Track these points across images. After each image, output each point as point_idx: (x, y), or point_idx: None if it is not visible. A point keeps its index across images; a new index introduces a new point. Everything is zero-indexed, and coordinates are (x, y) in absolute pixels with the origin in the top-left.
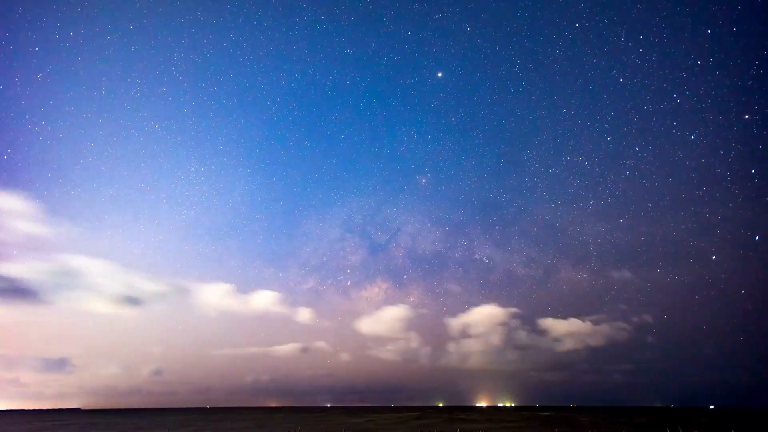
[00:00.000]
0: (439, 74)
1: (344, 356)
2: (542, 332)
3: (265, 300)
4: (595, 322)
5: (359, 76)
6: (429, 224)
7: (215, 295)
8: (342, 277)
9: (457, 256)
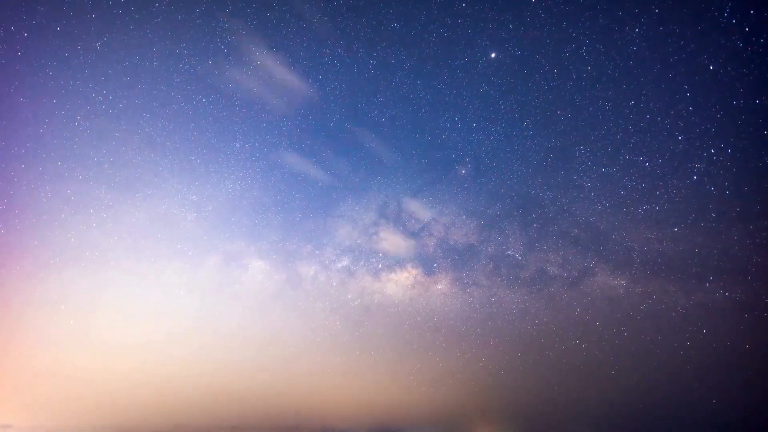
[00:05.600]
0: (492, 55)
1: None
2: None
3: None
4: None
5: (405, 54)
6: (464, 216)
7: (260, 266)
8: (374, 260)
9: (489, 250)
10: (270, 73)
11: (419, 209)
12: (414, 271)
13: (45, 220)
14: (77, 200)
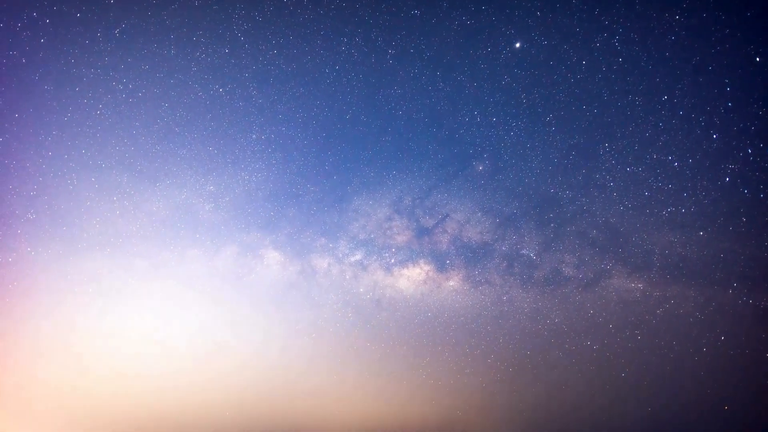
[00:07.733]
0: (517, 45)
1: None
2: None
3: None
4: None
5: (424, 43)
6: (479, 214)
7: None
8: (387, 255)
9: (503, 248)
10: (286, 63)
11: (434, 205)
12: (426, 267)
13: (72, 206)
14: (101, 188)
